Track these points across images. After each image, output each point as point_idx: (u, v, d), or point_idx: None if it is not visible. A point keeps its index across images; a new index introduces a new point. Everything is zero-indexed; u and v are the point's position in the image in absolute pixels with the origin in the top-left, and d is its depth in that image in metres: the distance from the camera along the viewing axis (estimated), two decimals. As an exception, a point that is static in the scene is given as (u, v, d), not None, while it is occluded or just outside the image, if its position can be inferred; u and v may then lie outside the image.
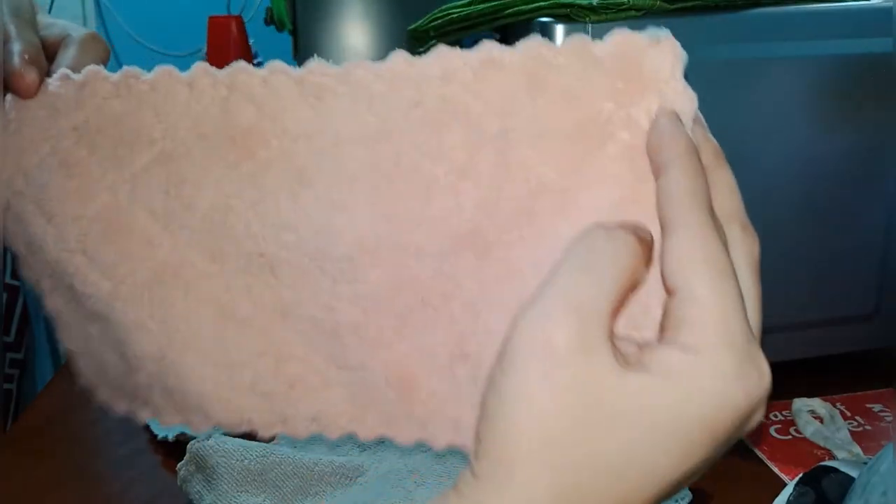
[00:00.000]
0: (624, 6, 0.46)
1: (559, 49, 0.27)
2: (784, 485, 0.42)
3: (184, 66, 0.32)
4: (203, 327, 0.33)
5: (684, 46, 0.27)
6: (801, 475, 0.41)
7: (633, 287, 0.25)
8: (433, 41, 0.58)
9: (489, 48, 0.28)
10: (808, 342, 0.56)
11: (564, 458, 0.23)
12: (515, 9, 0.50)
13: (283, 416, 0.33)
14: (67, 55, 0.36)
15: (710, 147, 0.27)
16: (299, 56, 0.92)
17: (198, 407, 0.34)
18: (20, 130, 0.33)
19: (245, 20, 1.35)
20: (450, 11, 0.55)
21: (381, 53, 0.29)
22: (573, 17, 0.47)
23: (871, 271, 0.56)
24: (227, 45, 1.30)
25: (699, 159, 0.25)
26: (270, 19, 0.95)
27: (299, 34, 0.91)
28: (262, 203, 0.31)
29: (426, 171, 0.29)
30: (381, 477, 0.45)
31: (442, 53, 0.28)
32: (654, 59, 0.27)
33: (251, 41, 1.34)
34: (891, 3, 0.52)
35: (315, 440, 0.34)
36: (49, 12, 0.40)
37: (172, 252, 0.32)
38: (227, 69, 0.31)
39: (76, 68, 0.35)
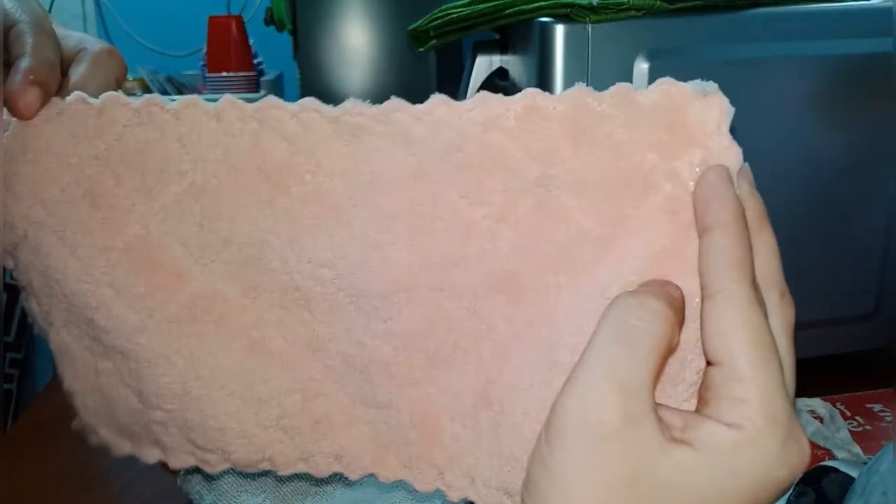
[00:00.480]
0: (624, 6, 0.46)
1: (603, 97, 0.27)
2: (784, 485, 0.42)
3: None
4: (232, 362, 0.32)
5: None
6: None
7: (669, 353, 0.25)
8: (433, 41, 0.58)
9: (533, 95, 0.28)
10: (808, 342, 0.56)
11: None
12: (515, 9, 0.50)
13: (305, 453, 0.33)
14: (79, 71, 0.35)
15: (754, 206, 0.27)
16: (299, 56, 0.92)
17: (217, 445, 0.33)
18: (37, 160, 0.32)
19: (245, 20, 1.35)
20: (450, 11, 0.55)
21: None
22: (573, 17, 0.47)
23: (871, 271, 0.56)
24: (226, 45, 1.31)
25: (745, 223, 0.25)
26: (270, 19, 0.95)
27: (299, 34, 0.91)
28: (299, 240, 0.30)
29: (464, 214, 0.29)
30: (381, 477, 0.45)
31: (484, 99, 0.28)
32: (699, 111, 0.26)
33: (251, 41, 1.35)
34: (891, 3, 0.52)
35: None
36: (48, 12, 0.39)
37: (205, 285, 0.32)
38: (257, 103, 0.30)
39: (87, 85, 0.33)
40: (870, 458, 0.40)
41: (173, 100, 0.31)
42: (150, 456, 0.35)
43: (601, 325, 0.25)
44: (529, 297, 0.29)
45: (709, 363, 0.25)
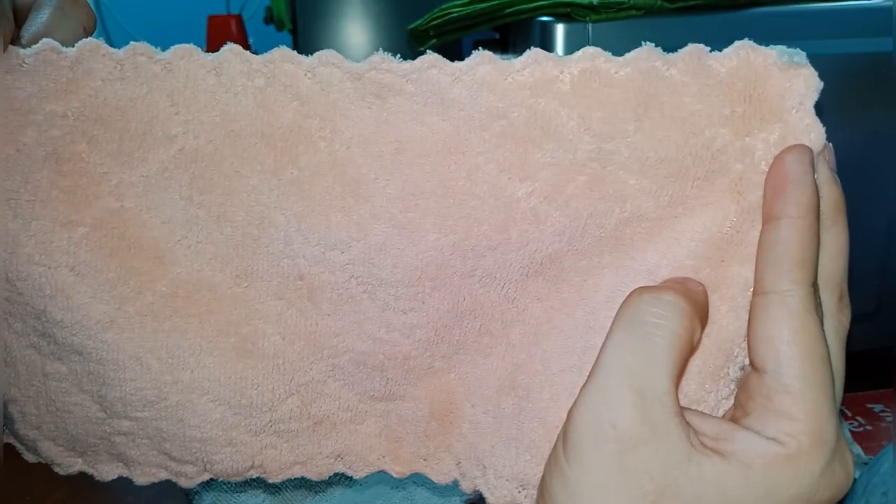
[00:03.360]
0: (625, 5, 0.46)
1: (674, 61, 0.24)
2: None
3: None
4: (220, 364, 0.28)
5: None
6: (801, 475, 0.41)
7: (690, 352, 0.23)
8: (433, 40, 0.58)
9: (593, 56, 0.24)
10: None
11: None
12: (515, 8, 0.50)
13: (302, 457, 0.29)
14: (40, 19, 0.29)
15: (832, 196, 0.24)
16: (299, 55, 0.91)
17: (197, 455, 0.29)
18: None
19: (245, 19, 1.35)
20: (449, 11, 0.55)
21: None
22: (574, 17, 0.47)
23: (871, 270, 0.56)
24: (226, 44, 1.30)
25: (818, 216, 0.23)
26: (270, 18, 0.95)
27: (299, 33, 0.91)
28: (309, 218, 0.26)
29: (505, 190, 0.25)
30: (380, 478, 0.45)
31: (536, 58, 0.24)
32: (782, 82, 0.24)
33: (251, 40, 1.34)
34: (891, 3, 0.52)
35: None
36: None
37: (189, 271, 0.27)
38: (267, 55, 0.26)
39: (51, 36, 0.28)
40: (871, 459, 0.40)
41: None
42: (109, 473, 0.31)
43: (615, 322, 0.23)
44: (567, 279, 0.26)
45: (752, 367, 0.23)
